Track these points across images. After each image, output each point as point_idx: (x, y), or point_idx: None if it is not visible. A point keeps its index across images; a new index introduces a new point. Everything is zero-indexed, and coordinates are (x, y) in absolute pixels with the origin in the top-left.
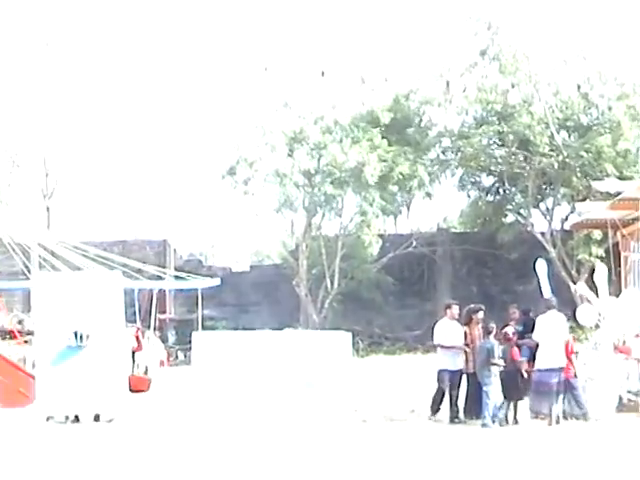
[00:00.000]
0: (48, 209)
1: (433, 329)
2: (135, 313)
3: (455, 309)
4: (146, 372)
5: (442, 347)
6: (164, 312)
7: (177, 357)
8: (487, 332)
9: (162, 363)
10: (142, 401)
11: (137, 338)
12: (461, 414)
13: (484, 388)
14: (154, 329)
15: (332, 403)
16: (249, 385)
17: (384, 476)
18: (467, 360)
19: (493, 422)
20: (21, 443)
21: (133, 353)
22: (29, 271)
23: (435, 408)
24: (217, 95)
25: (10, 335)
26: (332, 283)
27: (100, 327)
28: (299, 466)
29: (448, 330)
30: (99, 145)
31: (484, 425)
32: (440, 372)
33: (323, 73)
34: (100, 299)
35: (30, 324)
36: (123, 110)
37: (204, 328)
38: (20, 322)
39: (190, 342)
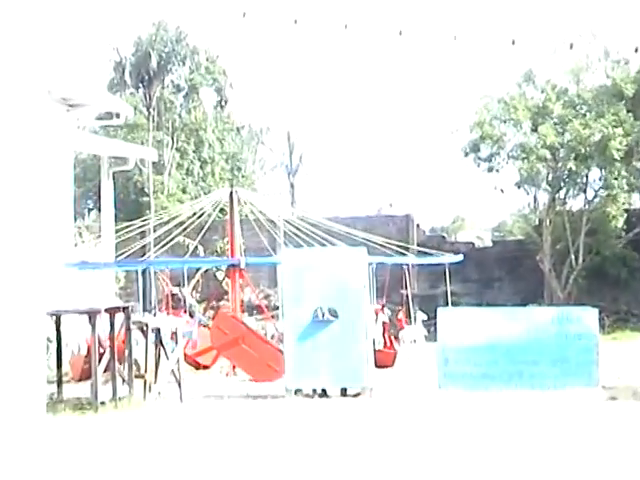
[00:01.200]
0: (292, 186)
1: None
2: (378, 289)
3: None
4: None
5: None
6: (405, 287)
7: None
8: None
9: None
10: (387, 375)
11: (379, 315)
12: None
13: None
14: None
15: (581, 379)
16: (496, 361)
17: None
18: None
19: None
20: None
21: (386, 329)
22: (275, 248)
23: None
24: (461, 70)
25: (257, 310)
26: (576, 259)
27: (346, 303)
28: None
29: None
30: (342, 120)
31: None
32: None
33: (572, 45)
34: (345, 275)
35: (276, 299)
36: (363, 83)
37: (447, 304)
38: (266, 297)
39: (433, 318)
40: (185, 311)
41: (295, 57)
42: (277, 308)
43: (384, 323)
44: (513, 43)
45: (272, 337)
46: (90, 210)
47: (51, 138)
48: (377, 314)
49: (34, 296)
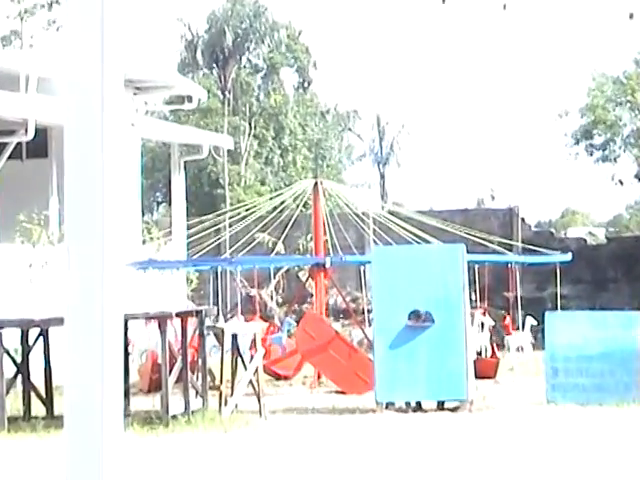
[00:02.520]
0: (382, 176)
1: None
2: (477, 291)
3: None
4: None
5: None
6: (509, 290)
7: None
8: None
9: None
10: (489, 387)
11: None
12: None
13: None
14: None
15: None
16: (611, 371)
17: None
18: None
19: None
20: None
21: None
22: (363, 245)
23: None
24: (572, 48)
25: (344, 314)
26: None
27: (443, 306)
28: None
29: None
30: (438, 104)
31: None
32: None
33: None
34: (442, 275)
35: (365, 302)
36: (462, 62)
37: (556, 308)
38: (354, 300)
39: (540, 323)
40: (262, 317)
41: (387, 34)
42: (365, 312)
43: (490, 328)
44: (631, 17)
45: (360, 344)
46: (159, 204)
47: (117, 124)
48: (478, 318)
49: (108, 298)
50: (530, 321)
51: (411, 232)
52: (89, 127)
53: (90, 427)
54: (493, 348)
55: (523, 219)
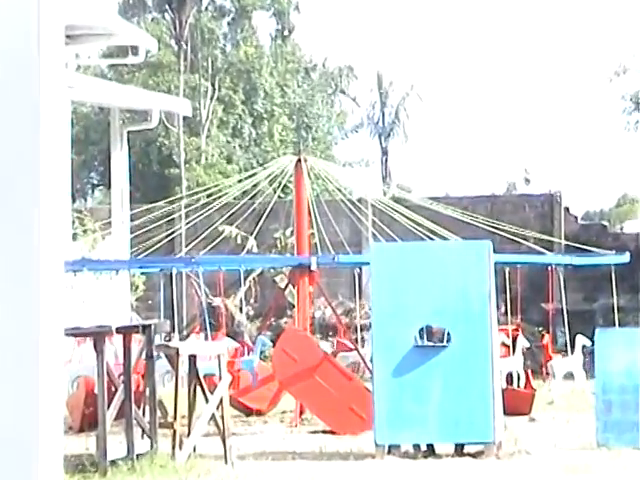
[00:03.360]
0: (385, 152)
1: None
2: (506, 302)
3: None
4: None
5: None
6: (549, 300)
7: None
8: None
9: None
10: (522, 426)
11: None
12: None
13: None
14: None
15: None
16: None
17: None
18: None
19: None
20: None
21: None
22: (360, 241)
23: None
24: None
25: (334, 331)
26: None
27: (462, 321)
28: None
29: None
30: (457, 62)
31: None
32: None
33: None
34: (462, 281)
35: (361, 316)
36: (484, 12)
37: (612, 323)
38: (347, 313)
39: (592, 344)
40: (226, 333)
41: None
42: (363, 329)
43: (522, 350)
44: None
45: (355, 370)
46: (95, 187)
47: (38, 81)
48: (507, 337)
49: (43, 311)
50: (582, 341)
51: (422, 225)
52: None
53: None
54: (528, 376)
55: (567, 209)
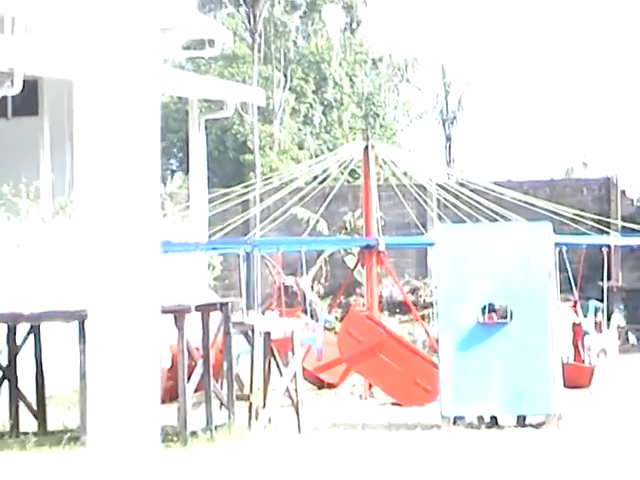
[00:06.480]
0: (449, 138)
1: None
2: (569, 279)
3: None
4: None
5: None
6: (609, 278)
7: (627, 340)
8: None
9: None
10: (580, 400)
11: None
12: None
13: None
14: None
15: None
16: None
17: None
18: None
19: None
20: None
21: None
22: (425, 223)
23: None
24: None
25: (401, 308)
26: None
27: (524, 299)
28: None
29: None
30: (516, 50)
31: None
32: None
33: None
34: (523, 260)
35: (427, 294)
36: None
37: None
38: (414, 291)
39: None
40: (304, 310)
41: None
42: (428, 306)
43: (575, 326)
44: None
45: (422, 345)
46: (174, 173)
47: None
48: (567, 313)
49: (142, 287)
50: (617, 320)
51: (485, 207)
52: (113, 76)
53: (119, 443)
54: (579, 350)
55: (623, 192)
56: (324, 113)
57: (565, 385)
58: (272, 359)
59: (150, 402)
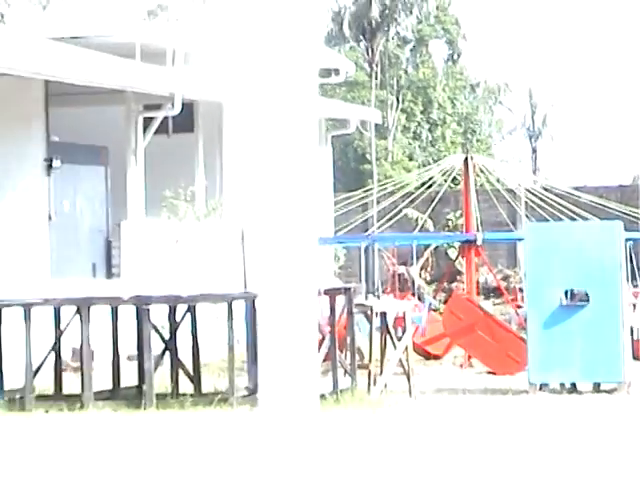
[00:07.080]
0: (534, 151)
1: None
2: (635, 270)
3: None
4: None
5: None
6: None
7: None
8: None
9: None
10: None
11: None
12: None
13: None
14: None
15: None
16: None
17: None
18: None
19: None
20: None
21: None
22: (515, 222)
23: None
24: None
25: (495, 293)
26: None
27: (599, 285)
28: None
29: None
30: (592, 74)
31: None
32: None
33: None
34: (598, 253)
35: (516, 281)
36: (620, 28)
37: None
38: (505, 278)
39: None
40: (413, 294)
41: (536, 2)
42: (518, 291)
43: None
44: None
45: (512, 323)
46: None
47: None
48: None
49: (304, 272)
50: None
51: (566, 208)
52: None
53: (285, 404)
54: None
55: None
56: (430, 130)
57: (634, 357)
58: (387, 334)
59: (310, 369)
